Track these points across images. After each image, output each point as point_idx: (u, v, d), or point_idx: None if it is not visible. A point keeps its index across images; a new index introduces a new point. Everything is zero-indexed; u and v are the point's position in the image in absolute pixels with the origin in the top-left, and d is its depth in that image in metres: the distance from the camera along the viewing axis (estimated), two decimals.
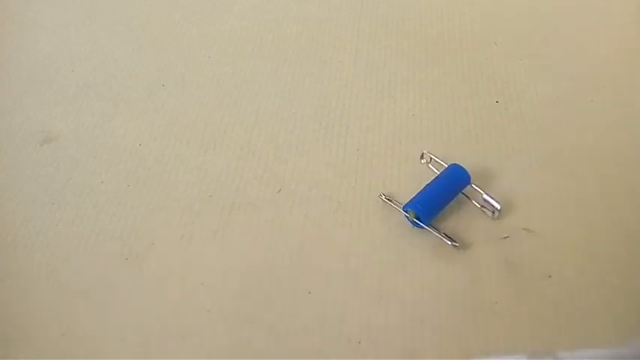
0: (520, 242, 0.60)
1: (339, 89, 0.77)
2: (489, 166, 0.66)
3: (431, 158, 0.65)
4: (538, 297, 0.57)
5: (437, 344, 0.54)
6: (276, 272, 0.60)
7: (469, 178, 0.62)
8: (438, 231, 0.60)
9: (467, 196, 0.63)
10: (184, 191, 0.68)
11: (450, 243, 0.59)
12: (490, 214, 0.61)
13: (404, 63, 0.79)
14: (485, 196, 0.61)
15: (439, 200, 0.62)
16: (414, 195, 0.62)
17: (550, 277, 0.58)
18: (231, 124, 0.74)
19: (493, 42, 0.81)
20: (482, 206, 0.62)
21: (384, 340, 0.55)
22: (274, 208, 0.65)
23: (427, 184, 0.62)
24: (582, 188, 0.64)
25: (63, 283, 0.61)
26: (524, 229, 0.61)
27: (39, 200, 0.68)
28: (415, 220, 0.60)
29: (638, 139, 0.68)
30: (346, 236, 0.62)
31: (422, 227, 0.60)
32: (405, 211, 0.61)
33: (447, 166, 0.63)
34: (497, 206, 0.60)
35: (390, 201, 0.63)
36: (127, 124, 0.76)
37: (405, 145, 0.70)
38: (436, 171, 0.64)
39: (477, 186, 0.62)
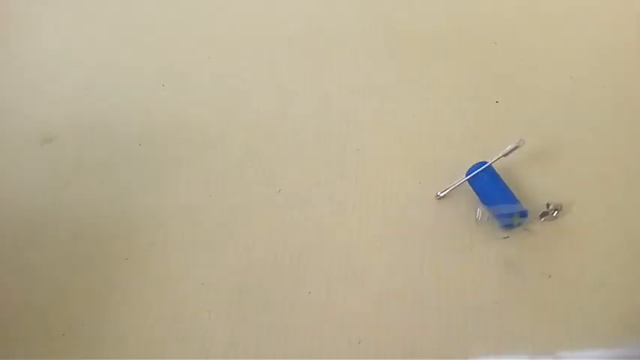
0: (520, 242, 0.60)
1: (339, 89, 0.77)
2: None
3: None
4: (538, 297, 0.57)
5: (437, 344, 0.55)
6: (276, 272, 0.60)
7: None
8: None
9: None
10: (185, 191, 0.68)
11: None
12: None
13: (404, 63, 0.79)
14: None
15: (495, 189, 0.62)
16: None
17: (550, 277, 0.58)
18: (231, 124, 0.74)
19: (493, 42, 0.80)
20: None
21: (384, 340, 0.55)
22: (274, 208, 0.65)
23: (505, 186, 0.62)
24: (582, 188, 0.64)
25: (63, 282, 0.61)
26: (524, 229, 0.61)
27: (39, 200, 0.68)
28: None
29: (638, 138, 0.68)
30: (346, 236, 0.62)
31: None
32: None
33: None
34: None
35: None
36: (127, 123, 0.76)
37: (405, 145, 0.70)
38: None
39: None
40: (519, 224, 0.60)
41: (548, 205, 0.61)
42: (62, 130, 0.75)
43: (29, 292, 0.61)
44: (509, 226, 0.60)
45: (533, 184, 0.63)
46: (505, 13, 0.85)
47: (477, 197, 0.63)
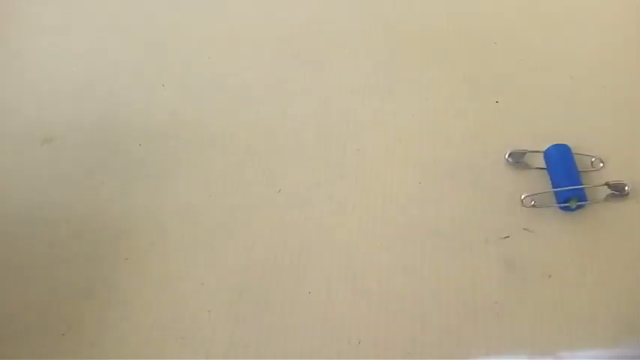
0: (520, 242, 0.60)
1: (339, 89, 0.77)
2: (489, 166, 0.66)
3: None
4: (538, 297, 0.57)
5: (437, 344, 0.54)
6: (276, 272, 0.60)
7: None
8: None
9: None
10: (185, 191, 0.68)
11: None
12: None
13: (404, 63, 0.79)
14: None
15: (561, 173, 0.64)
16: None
17: (550, 277, 0.58)
18: (232, 124, 0.74)
19: (493, 42, 0.80)
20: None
21: (384, 340, 0.55)
22: (274, 208, 0.65)
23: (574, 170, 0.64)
24: None
25: (63, 283, 0.61)
26: (524, 229, 0.61)
27: (39, 200, 0.68)
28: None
29: (638, 138, 0.68)
30: (346, 236, 0.62)
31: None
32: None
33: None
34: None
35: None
36: (127, 123, 0.76)
37: (405, 145, 0.70)
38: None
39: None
40: (577, 207, 0.62)
41: (610, 186, 0.62)
42: (62, 130, 0.75)
43: (29, 292, 0.61)
44: (567, 209, 0.62)
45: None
46: (505, 13, 0.85)
47: (474, 197, 0.63)
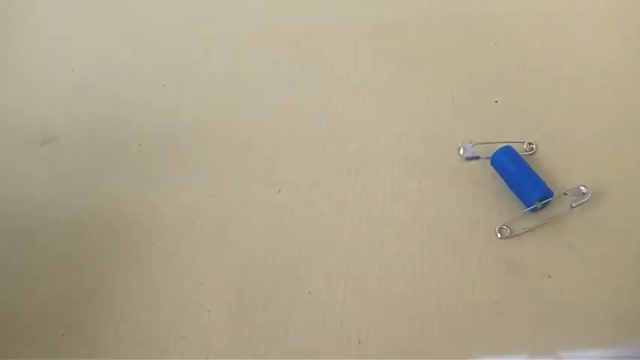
0: (520, 242, 0.60)
1: (339, 89, 0.77)
2: (489, 165, 0.66)
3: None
4: (538, 297, 0.57)
5: (437, 344, 0.55)
6: (276, 272, 0.60)
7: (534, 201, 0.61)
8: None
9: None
10: (184, 191, 0.68)
11: None
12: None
13: (404, 63, 0.79)
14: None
15: (513, 176, 0.63)
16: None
17: (550, 277, 0.58)
18: (231, 123, 0.74)
19: (493, 42, 0.80)
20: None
21: (384, 340, 0.55)
22: (274, 208, 0.65)
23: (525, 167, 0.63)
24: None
25: (63, 283, 0.61)
26: (524, 229, 0.61)
27: (39, 200, 0.68)
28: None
29: (638, 138, 0.68)
30: (346, 236, 0.62)
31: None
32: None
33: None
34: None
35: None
36: (127, 123, 0.76)
37: (405, 145, 0.70)
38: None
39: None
40: (543, 207, 0.61)
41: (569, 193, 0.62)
42: (62, 130, 0.75)
43: (29, 292, 0.61)
44: (534, 210, 0.61)
45: None
46: (505, 13, 0.85)
47: (474, 198, 0.63)
